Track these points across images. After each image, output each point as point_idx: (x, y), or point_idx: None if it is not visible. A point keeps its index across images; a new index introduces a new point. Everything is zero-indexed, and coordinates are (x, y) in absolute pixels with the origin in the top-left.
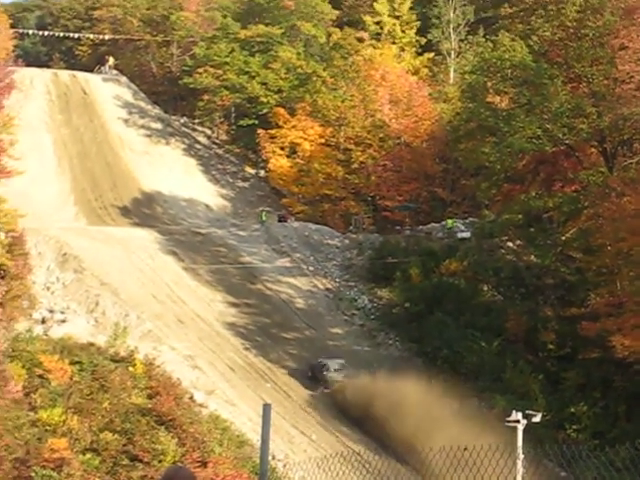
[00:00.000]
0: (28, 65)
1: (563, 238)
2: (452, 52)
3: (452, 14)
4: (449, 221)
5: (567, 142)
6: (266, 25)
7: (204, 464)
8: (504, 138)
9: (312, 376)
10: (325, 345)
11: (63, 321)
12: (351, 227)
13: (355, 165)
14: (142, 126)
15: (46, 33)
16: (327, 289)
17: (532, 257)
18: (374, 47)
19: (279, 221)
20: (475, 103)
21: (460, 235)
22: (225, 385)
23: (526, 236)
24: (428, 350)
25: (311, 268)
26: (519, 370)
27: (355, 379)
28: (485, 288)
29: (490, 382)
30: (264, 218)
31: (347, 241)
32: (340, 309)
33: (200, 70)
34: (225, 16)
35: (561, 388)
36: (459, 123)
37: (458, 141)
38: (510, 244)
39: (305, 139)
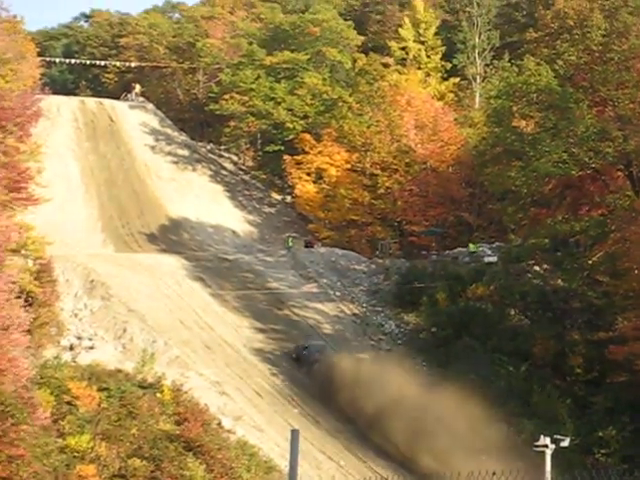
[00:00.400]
0: (55, 93)
1: (590, 262)
2: (477, 77)
3: (477, 39)
4: (472, 245)
5: (593, 166)
6: (292, 51)
7: None
8: (530, 162)
9: (296, 358)
10: None
11: (91, 348)
12: (377, 252)
13: (381, 190)
14: (169, 153)
15: (73, 61)
16: (354, 314)
17: (559, 281)
18: (399, 72)
19: (306, 247)
20: (501, 128)
21: (487, 259)
22: (252, 411)
23: (553, 260)
24: (455, 375)
25: (338, 293)
26: (547, 394)
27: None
28: (512, 312)
29: (518, 407)
30: (290, 244)
31: (374, 266)
32: (367, 334)
33: (226, 97)
34: (251, 43)
35: (589, 412)
36: (485, 148)
37: (484, 166)
38: (537, 268)
39: (331, 165)
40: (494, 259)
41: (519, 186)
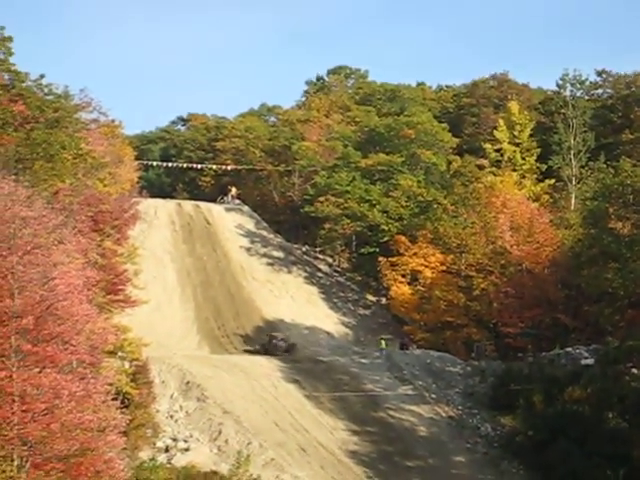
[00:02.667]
0: (152, 196)
1: None
2: (573, 178)
3: (573, 141)
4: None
5: None
6: (387, 154)
7: None
8: (627, 264)
9: (265, 351)
10: (448, 473)
11: (186, 449)
12: (473, 354)
13: (476, 292)
14: (264, 255)
15: (170, 164)
16: (449, 417)
17: None
18: (494, 174)
19: (401, 349)
20: (597, 229)
21: (584, 362)
22: None
23: None
24: (553, 479)
25: (433, 396)
26: None
27: None
28: (610, 415)
29: None
30: (383, 345)
31: (469, 368)
32: (463, 437)
33: (321, 199)
34: (346, 145)
35: None
36: (581, 249)
37: (580, 267)
38: (635, 371)
39: (426, 266)
40: (591, 361)
41: (616, 288)
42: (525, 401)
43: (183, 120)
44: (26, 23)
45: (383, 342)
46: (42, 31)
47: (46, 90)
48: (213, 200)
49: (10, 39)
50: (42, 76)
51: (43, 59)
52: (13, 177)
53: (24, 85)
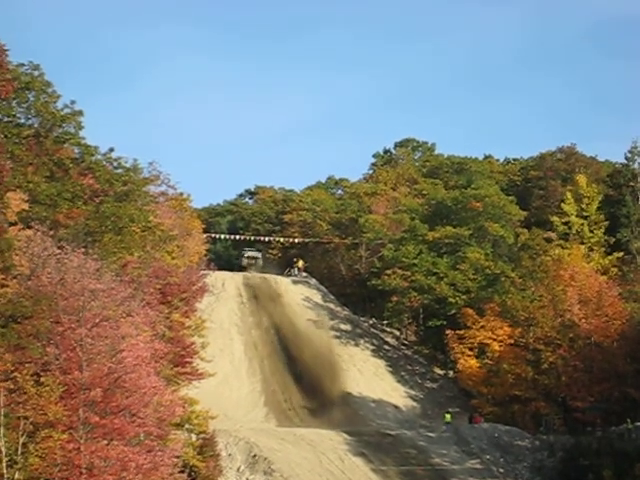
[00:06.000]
0: (220, 268)
1: None
2: None
3: None
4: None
5: None
6: (454, 226)
7: None
8: None
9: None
10: None
11: None
12: (541, 428)
13: (545, 365)
14: (331, 327)
15: (237, 237)
16: None
17: None
18: (562, 247)
19: (469, 422)
20: None
21: None
22: None
23: None
24: None
25: (501, 470)
26: None
27: None
28: None
29: None
30: (448, 419)
31: (537, 442)
32: None
33: (388, 272)
34: (413, 218)
35: None
36: None
37: None
38: None
39: (494, 339)
40: None
41: None
42: (595, 476)
43: (251, 193)
44: (97, 93)
45: (448, 416)
46: (113, 102)
47: (115, 163)
48: (280, 273)
49: (81, 113)
50: (111, 149)
51: (112, 130)
52: (82, 250)
53: (93, 159)
